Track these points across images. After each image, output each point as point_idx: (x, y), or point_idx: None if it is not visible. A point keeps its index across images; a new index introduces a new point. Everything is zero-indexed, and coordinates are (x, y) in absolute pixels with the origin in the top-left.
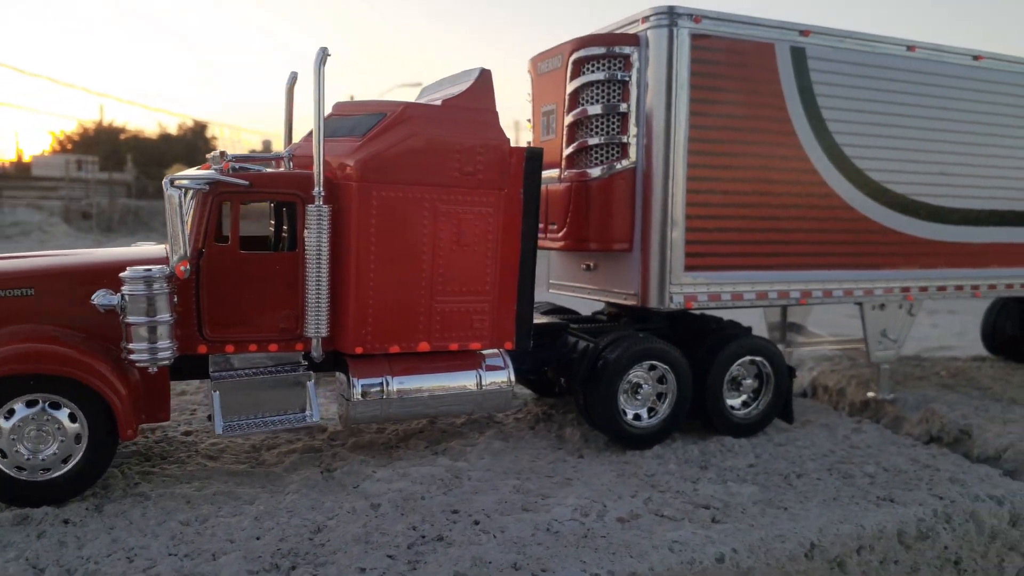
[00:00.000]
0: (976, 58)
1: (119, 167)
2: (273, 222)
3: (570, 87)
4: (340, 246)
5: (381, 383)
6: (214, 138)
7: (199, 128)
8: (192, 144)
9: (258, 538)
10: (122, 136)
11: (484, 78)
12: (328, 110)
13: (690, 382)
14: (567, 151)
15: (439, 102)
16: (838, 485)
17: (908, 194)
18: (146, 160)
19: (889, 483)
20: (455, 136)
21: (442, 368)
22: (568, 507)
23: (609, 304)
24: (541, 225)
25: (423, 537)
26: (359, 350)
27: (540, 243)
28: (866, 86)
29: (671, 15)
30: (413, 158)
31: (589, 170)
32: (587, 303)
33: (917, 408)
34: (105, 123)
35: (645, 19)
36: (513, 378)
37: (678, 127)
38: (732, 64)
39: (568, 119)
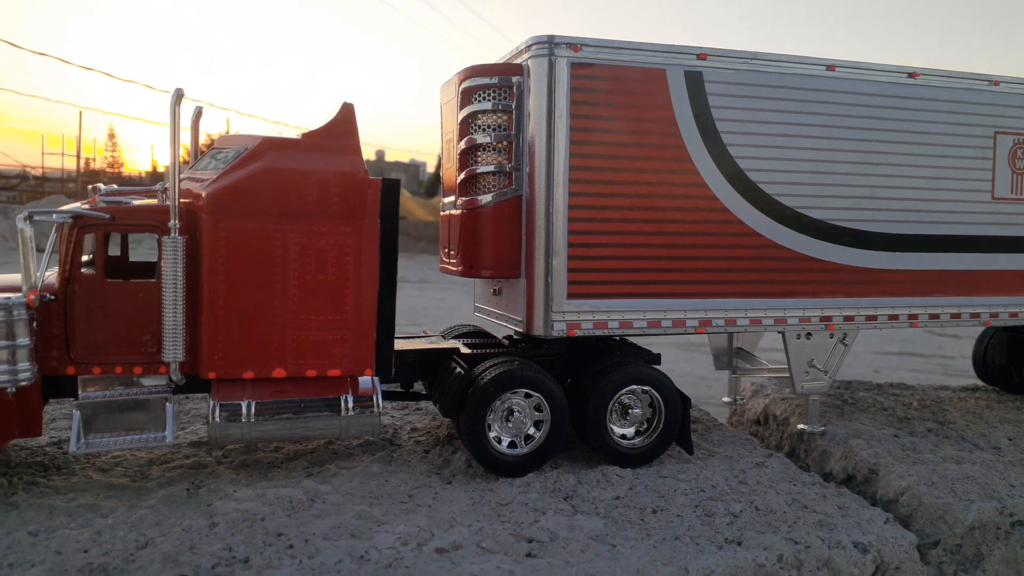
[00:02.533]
0: (911, 75)
1: None
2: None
3: (460, 116)
4: (195, 275)
5: (240, 406)
6: None
7: None
8: None
9: (86, 551)
10: None
11: (345, 112)
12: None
13: (566, 411)
14: (460, 178)
15: (299, 136)
16: (692, 523)
17: (828, 220)
18: None
19: (750, 524)
20: (310, 168)
21: (306, 393)
22: (394, 535)
23: (514, 329)
24: (445, 250)
25: (233, 558)
26: (212, 375)
27: (445, 268)
28: (776, 108)
29: (550, 44)
30: (265, 190)
31: (479, 197)
32: (499, 327)
33: (844, 443)
34: (231, 135)
35: (527, 48)
36: (380, 404)
37: (558, 156)
38: (618, 91)
39: (460, 147)
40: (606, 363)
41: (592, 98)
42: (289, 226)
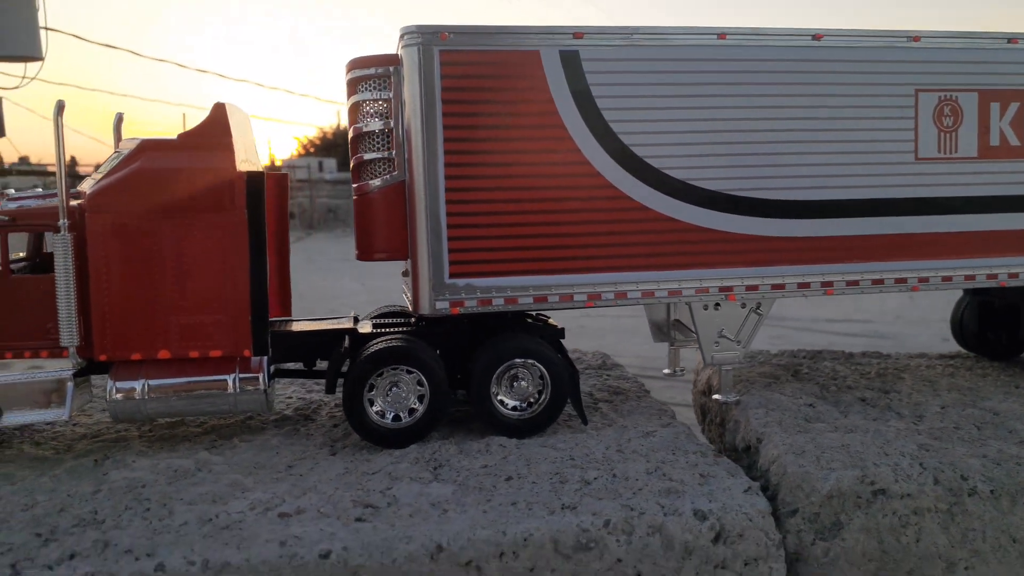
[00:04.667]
0: (816, 37)
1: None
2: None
3: (348, 104)
4: (84, 268)
5: (134, 385)
6: None
7: None
8: None
9: None
10: None
11: (217, 112)
12: None
13: (446, 385)
14: (352, 165)
15: (175, 137)
16: (540, 491)
17: (724, 190)
18: None
19: (596, 491)
20: (183, 166)
21: (197, 372)
22: (248, 501)
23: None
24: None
25: (93, 520)
26: (103, 357)
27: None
28: (662, 82)
29: (421, 33)
30: (141, 188)
31: (369, 183)
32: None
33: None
34: (342, 127)
35: (401, 38)
36: (266, 382)
37: (434, 141)
38: (491, 76)
39: (351, 134)
40: (495, 338)
41: (465, 84)
42: (164, 220)
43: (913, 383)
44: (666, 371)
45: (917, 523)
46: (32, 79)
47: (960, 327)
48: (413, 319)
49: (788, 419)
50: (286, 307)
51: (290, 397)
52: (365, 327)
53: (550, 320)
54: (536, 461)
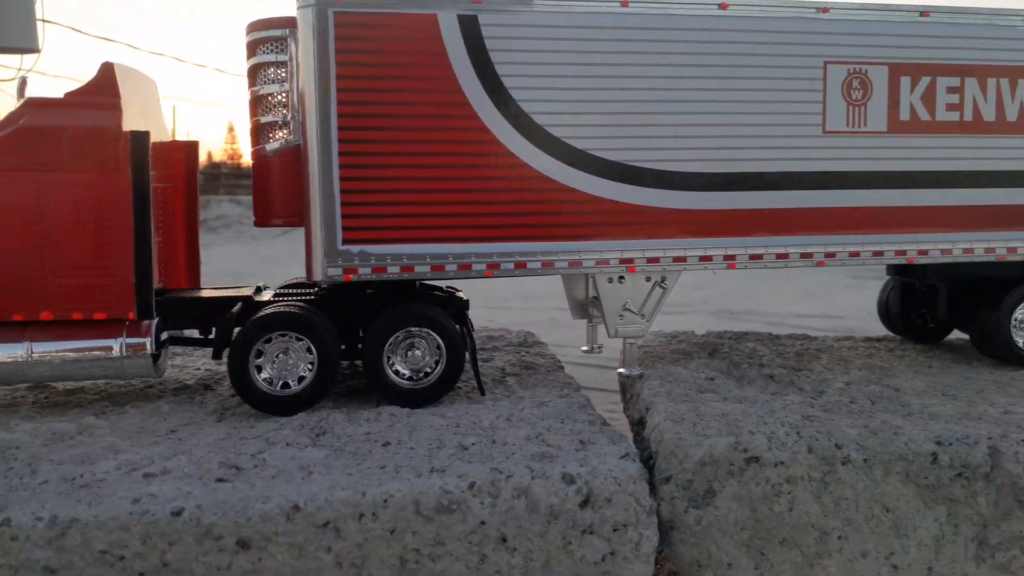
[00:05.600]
0: (721, 7)
1: None
2: None
3: (247, 67)
4: None
5: (17, 348)
6: None
7: None
8: None
9: None
10: None
11: (104, 70)
12: None
13: (336, 353)
14: (250, 128)
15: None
16: (414, 456)
17: (626, 160)
18: None
19: (468, 456)
20: (67, 124)
21: (84, 336)
22: (116, 462)
23: None
24: None
25: None
26: None
27: None
28: (563, 49)
29: None
30: (24, 146)
31: (266, 147)
32: None
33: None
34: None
35: (297, 0)
36: (154, 347)
37: (327, 104)
38: (388, 38)
39: (249, 97)
40: (391, 307)
41: (360, 46)
42: (47, 177)
43: (828, 362)
44: (584, 348)
45: (790, 492)
46: (29, 71)
47: (886, 309)
48: (317, 288)
49: (680, 390)
50: (195, 276)
51: (198, 368)
52: (265, 295)
53: (458, 293)
54: (420, 428)
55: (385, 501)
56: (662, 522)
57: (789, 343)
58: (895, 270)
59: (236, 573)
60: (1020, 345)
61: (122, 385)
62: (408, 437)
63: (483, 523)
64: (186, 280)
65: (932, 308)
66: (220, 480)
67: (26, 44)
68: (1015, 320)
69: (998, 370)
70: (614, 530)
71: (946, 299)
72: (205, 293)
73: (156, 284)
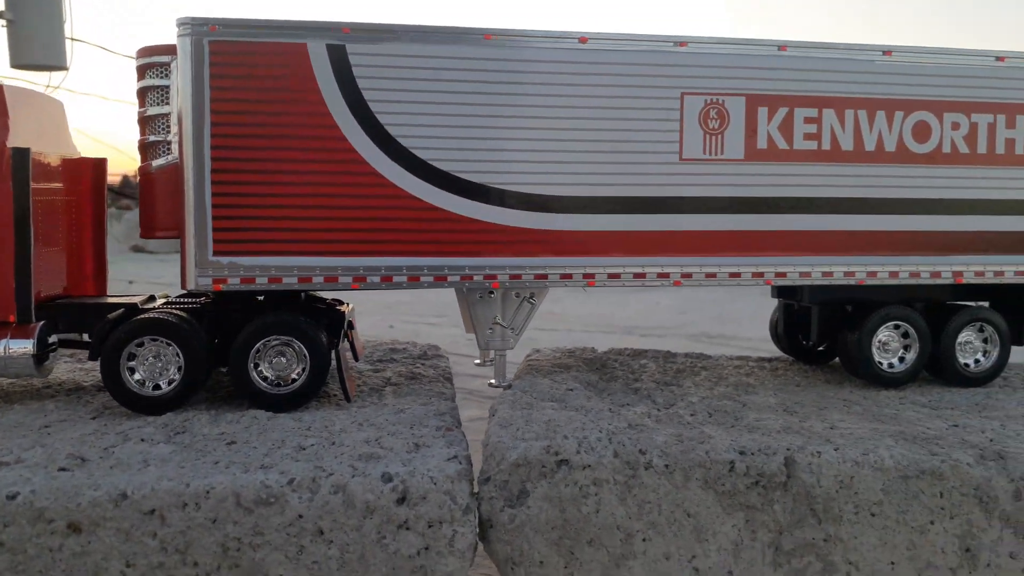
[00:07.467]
0: (581, 40)
1: None
2: None
3: (136, 89)
4: None
5: None
6: None
7: None
8: None
9: None
10: None
11: None
12: None
13: (202, 357)
14: (138, 145)
15: None
16: (251, 453)
17: (489, 183)
18: None
19: (303, 456)
20: None
21: None
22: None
23: None
24: None
25: None
26: None
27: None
28: (428, 77)
29: (192, 24)
30: None
31: (151, 163)
32: None
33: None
34: None
35: (177, 28)
36: (33, 349)
37: (201, 125)
38: (261, 66)
39: (137, 117)
40: (261, 315)
41: (234, 71)
42: None
43: (702, 379)
44: (476, 362)
45: (597, 494)
46: (56, 87)
47: (775, 331)
48: (205, 298)
49: (526, 399)
50: (101, 285)
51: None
52: (158, 303)
53: (343, 306)
54: (272, 430)
55: (207, 492)
56: (482, 521)
57: (681, 361)
58: (778, 292)
59: (67, 554)
60: (881, 366)
61: (23, 385)
62: (256, 438)
63: (300, 516)
64: (94, 288)
65: (807, 331)
66: (62, 469)
67: (54, 62)
68: (876, 342)
69: (860, 391)
70: (429, 526)
71: (818, 321)
72: (94, 300)
73: (59, 291)
